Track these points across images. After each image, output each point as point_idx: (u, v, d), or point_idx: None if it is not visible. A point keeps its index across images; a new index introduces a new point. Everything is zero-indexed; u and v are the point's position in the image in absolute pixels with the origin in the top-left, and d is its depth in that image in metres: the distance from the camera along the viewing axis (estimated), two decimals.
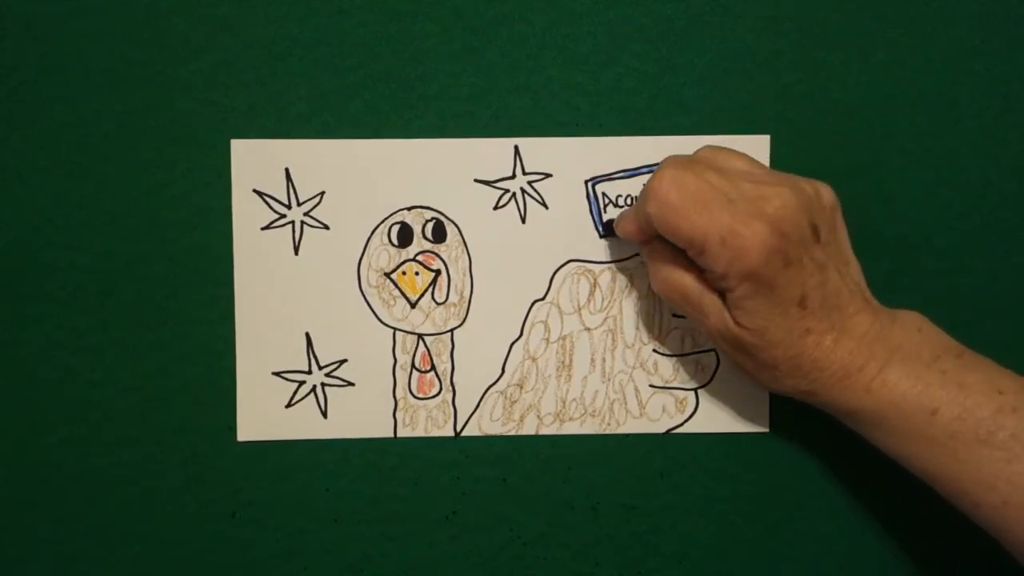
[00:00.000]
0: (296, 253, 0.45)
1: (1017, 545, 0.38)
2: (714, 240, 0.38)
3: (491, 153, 0.45)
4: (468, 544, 0.46)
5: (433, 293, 0.46)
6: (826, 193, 0.40)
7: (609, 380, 0.46)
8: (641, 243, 0.43)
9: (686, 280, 0.41)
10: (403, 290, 0.46)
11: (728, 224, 0.37)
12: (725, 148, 0.41)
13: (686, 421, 0.46)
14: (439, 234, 0.46)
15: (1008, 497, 0.37)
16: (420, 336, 0.46)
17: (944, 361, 0.39)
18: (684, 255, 0.40)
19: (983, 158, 0.46)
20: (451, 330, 0.46)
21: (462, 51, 0.45)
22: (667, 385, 0.46)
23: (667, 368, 0.46)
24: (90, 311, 0.45)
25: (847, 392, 0.39)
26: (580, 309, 0.46)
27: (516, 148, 0.45)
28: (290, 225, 0.45)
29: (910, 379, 0.38)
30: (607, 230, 0.45)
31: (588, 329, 0.46)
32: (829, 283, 0.39)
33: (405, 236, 0.46)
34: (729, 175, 0.39)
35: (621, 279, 0.46)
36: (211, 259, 0.45)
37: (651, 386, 0.46)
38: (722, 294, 0.40)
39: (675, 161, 0.40)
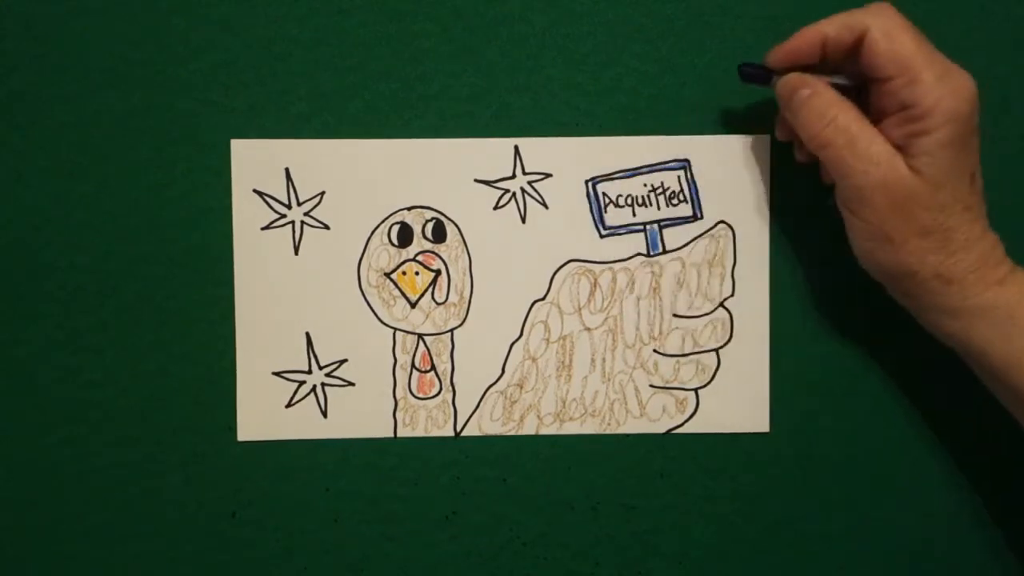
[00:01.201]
0: (296, 253, 0.45)
1: None
2: (933, 73, 0.38)
3: (491, 153, 0.45)
4: (468, 544, 0.46)
5: (433, 293, 0.46)
6: None
7: (609, 380, 0.46)
8: (796, 81, 0.41)
9: (856, 122, 0.40)
10: (403, 290, 0.46)
11: (946, 64, 0.39)
12: None
13: (686, 421, 0.46)
14: (439, 234, 0.46)
15: None
16: (420, 336, 0.46)
17: None
18: (849, 100, 0.40)
19: (983, 158, 0.46)
20: (451, 330, 0.46)
21: (462, 51, 0.45)
22: (667, 385, 0.46)
23: (667, 368, 0.46)
24: (90, 311, 0.45)
25: (980, 283, 0.39)
26: (580, 309, 0.46)
27: (516, 148, 0.45)
28: (290, 225, 0.45)
29: None
30: (745, 76, 0.43)
31: (588, 329, 0.46)
32: (980, 176, 0.40)
33: (405, 236, 0.46)
34: None
35: (621, 279, 0.46)
36: (211, 259, 0.45)
37: (651, 386, 0.46)
38: (899, 146, 0.39)
39: None
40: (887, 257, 0.40)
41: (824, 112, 0.40)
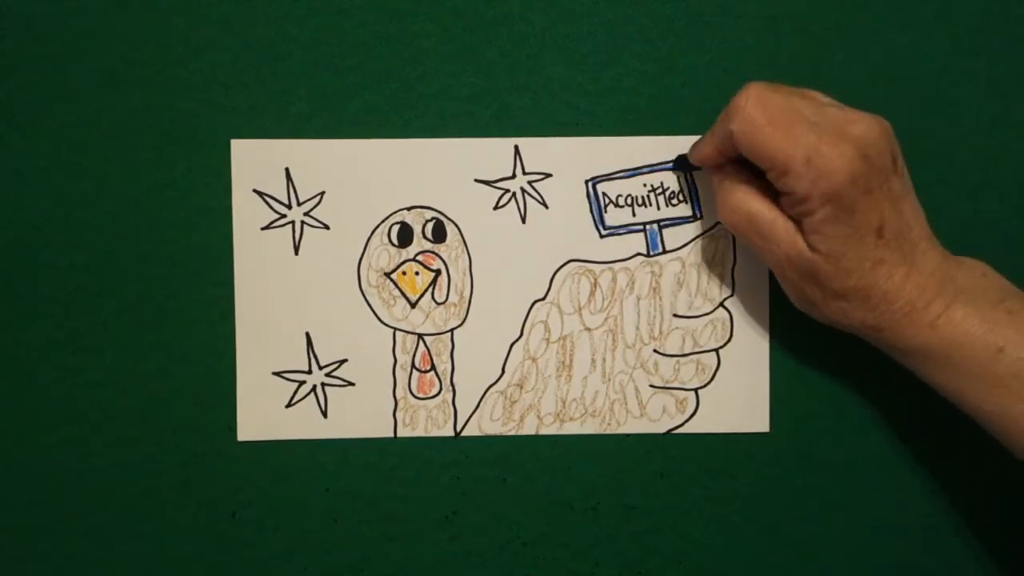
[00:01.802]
0: (296, 253, 0.45)
1: None
2: (798, 160, 0.37)
3: (491, 153, 0.45)
4: (468, 544, 0.46)
5: (433, 293, 0.46)
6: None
7: (609, 380, 0.46)
8: (712, 170, 0.42)
9: (757, 205, 0.40)
10: (403, 290, 0.46)
11: (814, 144, 0.37)
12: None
13: (686, 421, 0.46)
14: (439, 234, 0.46)
15: None
16: (420, 336, 0.46)
17: (1010, 303, 0.39)
18: (755, 182, 0.40)
19: (983, 158, 0.46)
20: (451, 330, 0.46)
21: (462, 51, 0.45)
22: (667, 385, 0.46)
23: (667, 368, 0.46)
24: (90, 311, 0.45)
25: (912, 327, 0.39)
26: (580, 309, 0.46)
27: (516, 148, 0.45)
28: (290, 225, 0.45)
29: (976, 317, 0.38)
30: (677, 165, 0.45)
31: (588, 329, 0.46)
32: (904, 215, 0.39)
33: (405, 236, 0.46)
34: (813, 101, 0.39)
35: (621, 279, 0.46)
36: (211, 259, 0.45)
37: (651, 386, 0.46)
38: (796, 221, 0.39)
39: (759, 82, 0.39)
40: (818, 314, 0.41)
41: (728, 196, 0.41)
